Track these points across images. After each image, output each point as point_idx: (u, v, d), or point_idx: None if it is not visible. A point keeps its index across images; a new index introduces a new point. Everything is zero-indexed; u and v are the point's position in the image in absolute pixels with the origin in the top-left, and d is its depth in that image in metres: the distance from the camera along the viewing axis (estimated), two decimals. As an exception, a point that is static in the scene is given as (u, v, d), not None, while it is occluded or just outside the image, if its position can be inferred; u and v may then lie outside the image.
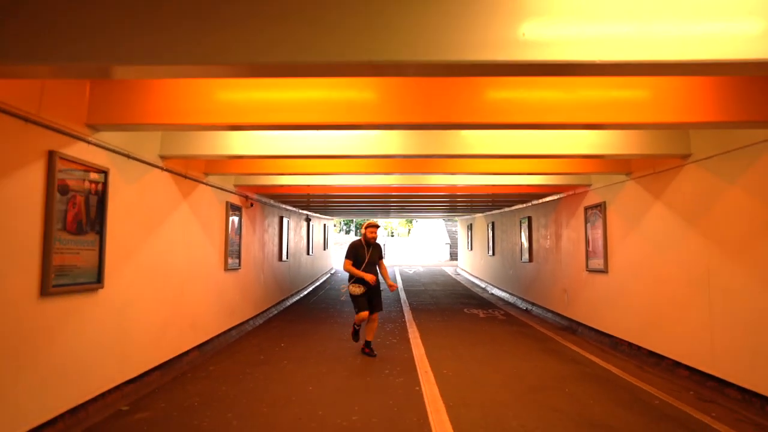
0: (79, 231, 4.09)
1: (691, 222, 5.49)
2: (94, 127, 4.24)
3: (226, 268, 7.83)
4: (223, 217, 7.74)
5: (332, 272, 22.32)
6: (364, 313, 6.47)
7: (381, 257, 6.92)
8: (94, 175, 4.29)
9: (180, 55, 2.70)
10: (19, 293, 3.49)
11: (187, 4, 2.65)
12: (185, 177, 6.26)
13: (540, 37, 2.67)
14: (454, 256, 31.19)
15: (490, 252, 16.35)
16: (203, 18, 2.65)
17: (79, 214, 4.10)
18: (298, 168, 7.02)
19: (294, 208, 13.49)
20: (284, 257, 12.21)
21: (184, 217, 6.22)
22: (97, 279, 4.34)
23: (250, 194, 9.15)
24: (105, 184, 4.44)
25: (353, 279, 6.62)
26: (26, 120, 3.53)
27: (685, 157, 5.55)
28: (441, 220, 32.50)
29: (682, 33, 2.62)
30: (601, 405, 4.64)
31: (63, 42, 2.61)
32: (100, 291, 4.41)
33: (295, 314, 10.75)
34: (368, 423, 4.13)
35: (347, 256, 6.76)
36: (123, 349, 4.81)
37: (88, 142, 4.22)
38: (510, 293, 13.54)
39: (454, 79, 4.00)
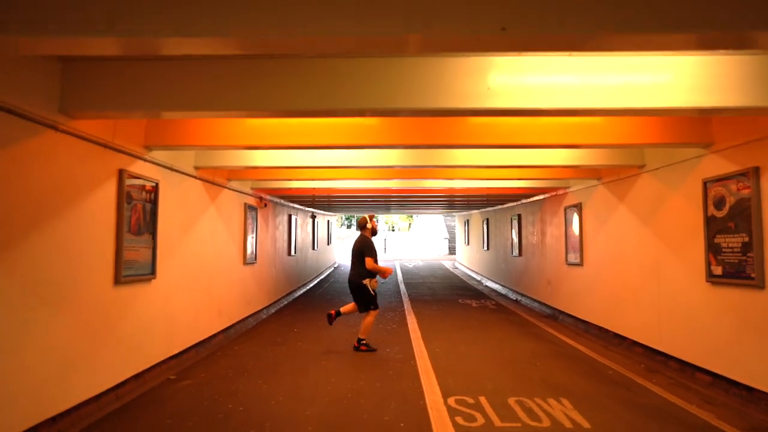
0: (138, 232, 5.08)
1: (645, 221, 6.48)
2: (149, 148, 5.22)
3: (245, 263, 8.83)
4: (242, 216, 8.72)
5: (336, 266, 23.31)
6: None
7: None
8: (148, 186, 5.28)
9: (226, 104, 3.72)
10: (101, 282, 4.49)
11: (233, 64, 3.65)
12: (213, 183, 7.25)
13: (502, 88, 3.65)
14: (452, 251, 32.18)
15: (485, 246, 17.34)
16: (244, 73, 3.65)
17: (139, 219, 5.09)
18: (307, 175, 8.00)
19: (301, 207, 14.46)
20: (293, 252, 13.22)
21: (212, 218, 7.21)
22: (151, 271, 5.34)
23: (264, 195, 10.13)
24: (156, 192, 5.43)
25: (369, 275, 6.74)
26: (104, 146, 4.51)
27: (641, 167, 6.52)
28: (440, 215, 33.44)
29: (609, 84, 3.62)
30: (563, 374, 5.64)
31: (143, 98, 3.63)
32: (153, 281, 5.41)
33: (304, 304, 11.77)
34: (372, 386, 5.13)
35: (372, 254, 6.75)
36: (169, 329, 5.81)
37: (145, 160, 5.21)
38: (502, 285, 14.54)
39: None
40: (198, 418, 4.24)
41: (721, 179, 4.97)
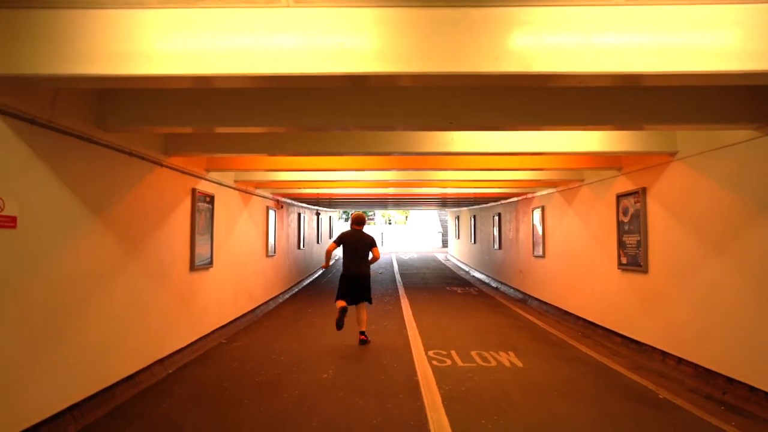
0: (202, 233, 6.95)
1: (584, 223, 8.37)
2: (208, 170, 7.07)
3: (267, 255, 10.70)
4: (264, 217, 10.59)
5: (338, 258, 25.14)
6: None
7: (374, 245, 7.38)
8: (207, 198, 7.13)
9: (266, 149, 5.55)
10: (183, 269, 6.36)
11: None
12: (246, 192, 9.11)
13: (461, 139, 5.47)
14: (445, 244, 34.10)
15: (473, 240, 19.25)
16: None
17: (202, 223, 6.95)
18: (316, 185, 9.89)
19: (307, 206, 16.32)
20: (301, 246, 15.10)
21: (245, 220, 9.07)
22: (210, 262, 7.21)
23: (280, 199, 11.99)
24: (212, 202, 7.28)
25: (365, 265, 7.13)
26: (183, 172, 6.36)
27: (582, 180, 8.41)
28: (434, 210, 35.33)
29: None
30: (516, 338, 7.54)
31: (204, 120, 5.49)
32: (211, 269, 7.28)
33: (313, 291, 13.66)
34: (374, 346, 7.02)
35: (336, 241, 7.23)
36: (220, 306, 7.69)
37: (206, 179, 7.06)
38: (486, 275, 16.46)
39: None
40: (254, 363, 6.12)
41: (626, 194, 6.86)
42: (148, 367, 5.37)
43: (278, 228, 11.82)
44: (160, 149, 5.63)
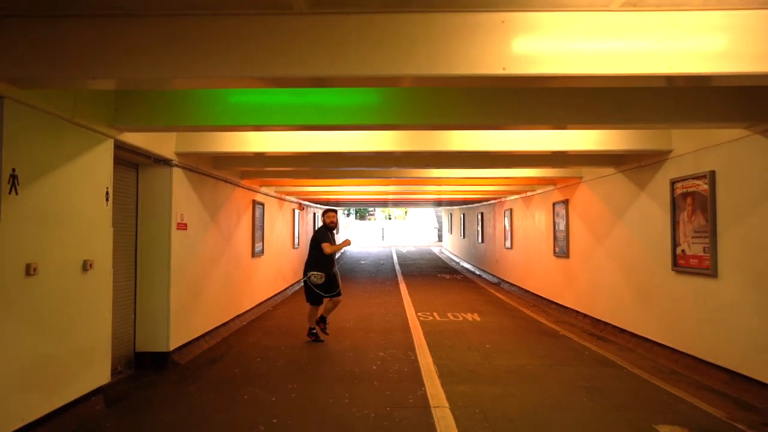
0: (256, 230, 9.79)
1: (535, 221, 11.24)
2: (261, 185, 9.92)
3: (293, 248, 13.57)
4: (291, 217, 13.45)
5: (341, 251, 27.98)
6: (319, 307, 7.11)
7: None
8: (261, 206, 9.97)
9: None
10: (247, 256, 9.22)
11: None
12: (281, 198, 11.97)
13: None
14: (440, 238, 36.98)
15: (462, 235, 22.12)
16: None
17: (257, 223, 9.79)
18: (327, 192, 12.75)
19: (319, 206, 19.17)
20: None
21: (280, 220, 11.93)
22: (262, 251, 10.06)
23: (301, 202, 14.84)
24: (263, 208, 10.12)
25: (315, 267, 7.08)
26: (248, 189, 9.20)
27: (534, 190, 11.27)
28: (431, 208, 38.15)
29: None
30: (482, 307, 10.40)
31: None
32: (262, 257, 10.13)
33: (327, 277, 16.54)
34: (380, 311, 9.88)
35: (325, 240, 7.14)
36: (266, 284, 10.56)
37: (260, 192, 9.91)
38: (472, 265, 19.34)
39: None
40: (297, 319, 8.96)
41: (558, 203, 9.70)
42: (232, 320, 8.22)
43: (300, 225, 14.69)
44: (238, 176, 8.48)
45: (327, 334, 7.22)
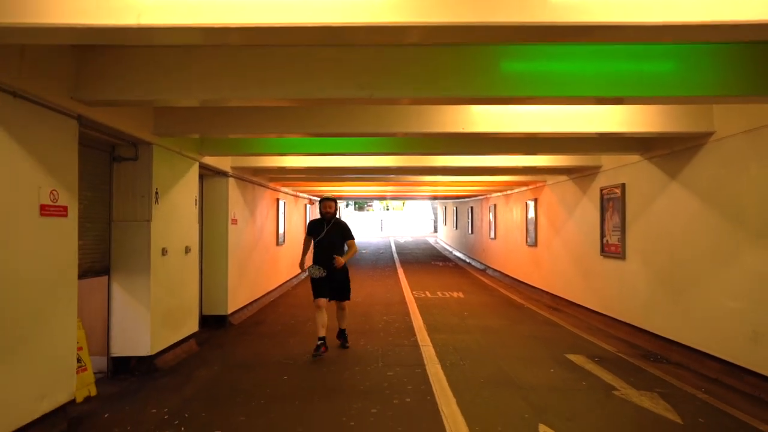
0: (280, 222, 11.82)
1: (514, 215, 13.28)
2: (283, 187, 11.92)
3: (279, 244, 15.60)
4: (304, 210, 15.47)
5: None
6: (321, 300, 6.14)
7: (349, 237, 6.42)
8: (282, 202, 11.98)
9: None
10: (273, 245, 11.26)
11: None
12: (297, 196, 13.99)
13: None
14: (436, 229, 39.01)
15: (455, 227, 24.16)
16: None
17: (279, 216, 11.81)
18: (337, 191, 14.76)
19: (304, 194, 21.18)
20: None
21: (295, 214, 13.96)
22: (283, 240, 12.09)
23: (311, 197, 16.85)
24: (285, 206, 12.14)
25: (314, 260, 6.32)
26: (274, 189, 11.20)
27: (512, 189, 13.29)
28: (428, 201, 40.09)
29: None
30: (467, 287, 12.46)
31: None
32: (284, 245, 12.16)
33: (333, 264, 18.64)
34: (382, 290, 11.93)
35: (310, 233, 6.47)
36: (287, 267, 12.61)
37: (281, 192, 11.92)
38: (464, 254, 21.41)
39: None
40: (315, 296, 11.00)
41: (530, 200, 11.75)
42: (263, 296, 10.24)
43: (310, 217, 16.71)
44: (268, 180, 10.48)
45: (347, 347, 6.35)
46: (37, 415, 3.51)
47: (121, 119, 4.63)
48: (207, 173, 7.68)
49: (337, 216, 6.72)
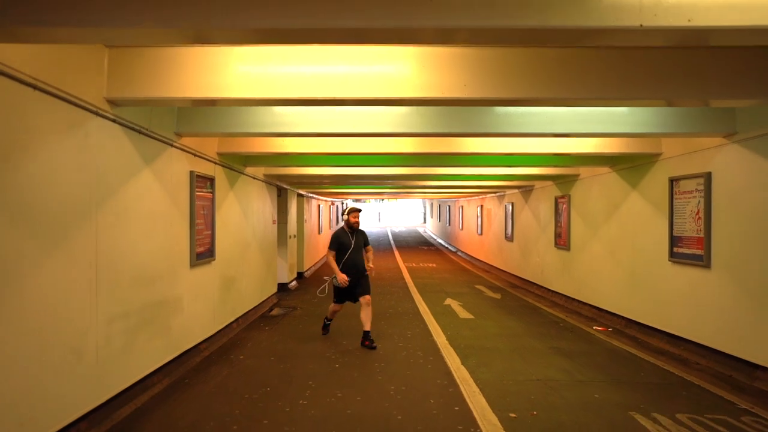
0: (305, 220, 18.30)
1: (500, 217, 19.82)
2: (305, 191, 18.38)
3: (319, 233, 22.11)
4: (318, 211, 21.94)
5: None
6: (338, 306, 6.70)
7: (367, 243, 6.80)
8: (303, 201, 18.43)
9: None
10: (316, 233, 17.77)
11: None
12: (319, 199, 20.49)
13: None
14: (425, 220, 45.55)
15: (439, 220, 30.74)
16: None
17: (296, 212, 18.28)
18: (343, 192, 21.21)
19: (332, 200, 27.62)
20: (330, 226, 26.50)
21: (311, 211, 20.43)
22: (320, 231, 18.57)
23: (326, 198, 23.29)
24: (303, 202, 18.59)
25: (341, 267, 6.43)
26: (299, 194, 17.66)
27: (486, 195, 19.81)
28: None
29: None
30: (440, 261, 19.00)
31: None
32: (321, 234, 18.64)
33: (346, 248, 25.27)
34: (383, 263, 18.44)
35: (332, 245, 6.49)
36: (309, 256, 19.13)
37: (298, 193, 18.39)
38: (444, 241, 27.97)
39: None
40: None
41: (508, 203, 18.29)
42: (312, 266, 16.74)
43: (324, 216, 23.18)
44: (296, 186, 16.89)
45: (374, 348, 6.31)
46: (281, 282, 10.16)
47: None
48: (295, 195, 14.17)
49: None
